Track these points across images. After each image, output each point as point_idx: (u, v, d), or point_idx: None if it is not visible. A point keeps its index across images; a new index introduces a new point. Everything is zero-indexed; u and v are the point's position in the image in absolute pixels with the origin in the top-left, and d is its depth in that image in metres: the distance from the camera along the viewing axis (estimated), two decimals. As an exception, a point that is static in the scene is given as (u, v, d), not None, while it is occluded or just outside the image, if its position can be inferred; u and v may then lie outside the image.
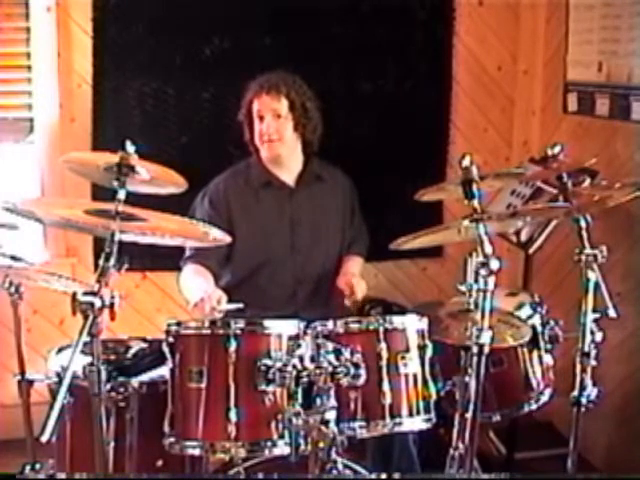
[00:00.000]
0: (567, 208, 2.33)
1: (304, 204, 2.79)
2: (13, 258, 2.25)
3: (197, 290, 2.52)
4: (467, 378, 2.01)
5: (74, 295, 1.75)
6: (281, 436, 1.97)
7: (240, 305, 2.40)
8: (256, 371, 1.97)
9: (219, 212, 2.73)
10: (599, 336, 2.26)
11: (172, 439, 2.03)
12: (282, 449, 1.98)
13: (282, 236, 2.76)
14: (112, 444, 2.15)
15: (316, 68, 2.85)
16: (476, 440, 1.96)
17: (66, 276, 2.40)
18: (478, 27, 3.46)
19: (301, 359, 1.97)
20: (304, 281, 2.77)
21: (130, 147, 1.98)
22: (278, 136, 2.68)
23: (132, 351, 2.43)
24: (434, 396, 2.12)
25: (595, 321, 2.26)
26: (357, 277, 2.72)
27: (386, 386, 2.03)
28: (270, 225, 2.77)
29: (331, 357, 1.96)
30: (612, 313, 2.25)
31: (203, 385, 1.99)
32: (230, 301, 2.45)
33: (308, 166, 2.82)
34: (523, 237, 2.99)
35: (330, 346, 1.99)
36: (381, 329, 2.06)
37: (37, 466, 2.32)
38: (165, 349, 2.06)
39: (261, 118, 2.69)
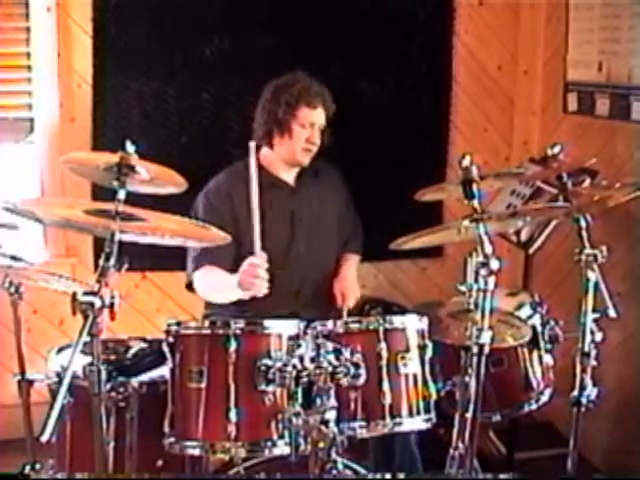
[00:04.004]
0: (567, 208, 2.33)
1: (305, 202, 2.79)
2: (13, 258, 2.25)
3: (227, 280, 2.46)
4: (467, 378, 2.01)
5: (74, 295, 1.75)
6: (281, 436, 1.98)
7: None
8: (256, 371, 1.97)
9: (223, 211, 2.69)
10: (599, 336, 2.26)
11: (172, 439, 2.04)
12: (282, 449, 1.98)
13: (285, 235, 2.75)
14: (112, 444, 2.14)
15: (316, 68, 2.83)
16: (476, 440, 1.96)
17: (66, 276, 2.40)
18: (478, 27, 3.46)
19: (301, 359, 1.97)
20: (308, 280, 2.75)
21: (130, 147, 1.98)
22: (317, 147, 2.72)
23: (132, 351, 2.42)
24: (434, 396, 2.12)
25: (595, 321, 2.25)
26: (352, 283, 2.76)
27: (386, 386, 2.03)
28: (273, 225, 2.76)
29: (331, 357, 1.96)
30: (612, 313, 2.25)
31: (203, 385, 1.99)
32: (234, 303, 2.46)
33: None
34: (523, 237, 2.99)
35: (330, 346, 1.99)
36: (381, 329, 2.06)
37: (37, 466, 2.33)
38: (165, 349, 2.06)
39: (306, 126, 2.67)
